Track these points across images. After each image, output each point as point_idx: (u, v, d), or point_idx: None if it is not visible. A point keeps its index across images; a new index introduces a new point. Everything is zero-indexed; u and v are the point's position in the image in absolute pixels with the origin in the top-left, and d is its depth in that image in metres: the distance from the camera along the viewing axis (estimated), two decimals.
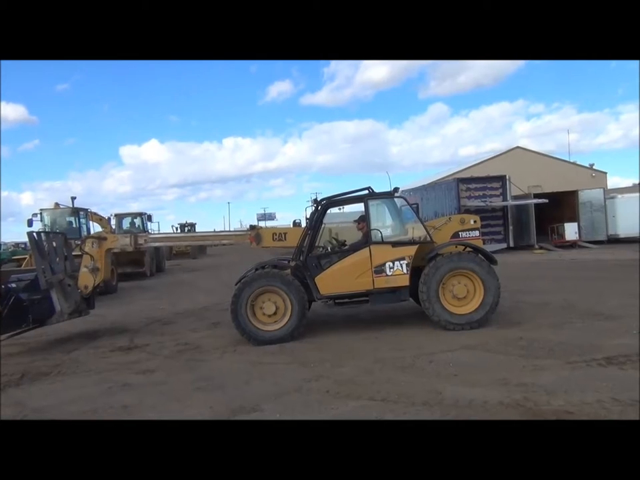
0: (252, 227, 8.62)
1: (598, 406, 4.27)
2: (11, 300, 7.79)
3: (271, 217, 73.32)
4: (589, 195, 25.18)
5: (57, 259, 8.46)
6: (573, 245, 23.88)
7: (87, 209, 19.53)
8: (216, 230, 13.72)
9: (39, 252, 8.10)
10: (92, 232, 17.71)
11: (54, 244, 8.54)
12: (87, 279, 8.48)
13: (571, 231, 24.09)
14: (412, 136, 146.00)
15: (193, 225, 43.13)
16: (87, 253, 8.48)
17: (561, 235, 24.44)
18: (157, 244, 11.31)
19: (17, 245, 33.72)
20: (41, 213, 18.63)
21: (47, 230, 15.96)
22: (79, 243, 9.64)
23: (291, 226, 10.50)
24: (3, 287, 8.03)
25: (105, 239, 8.84)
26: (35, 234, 8.26)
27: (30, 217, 17.73)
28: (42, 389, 6.07)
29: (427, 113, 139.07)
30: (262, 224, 49.13)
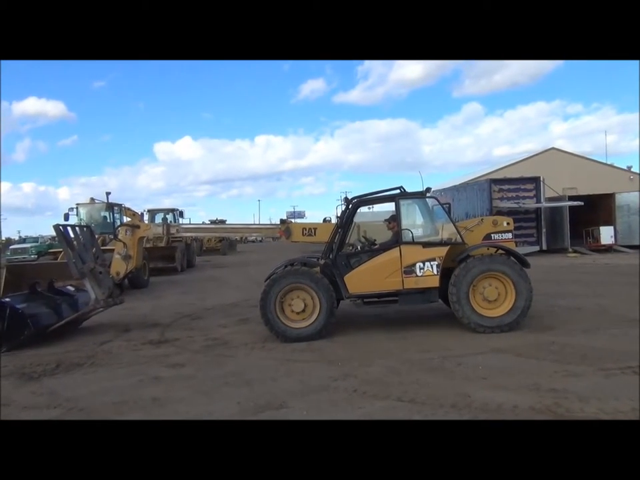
0: (282, 221, 8.65)
1: (633, 415, 4.15)
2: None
3: (300, 214, 73.60)
4: (626, 198, 24.43)
5: (85, 250, 8.63)
6: (608, 249, 23.23)
7: (121, 204, 19.85)
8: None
9: (66, 242, 8.29)
10: None
11: (81, 237, 8.73)
12: (119, 266, 8.67)
13: (606, 234, 23.46)
14: (445, 135, 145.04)
15: (223, 222, 43.61)
16: (120, 240, 8.65)
17: (596, 238, 23.79)
18: (188, 234, 11.53)
19: (53, 238, 34.56)
20: (76, 208, 19.04)
21: (81, 224, 16.33)
22: (113, 237, 9.86)
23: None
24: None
25: (138, 226, 9.01)
26: (60, 226, 8.45)
27: (66, 212, 18.19)
28: (75, 379, 6.22)
29: (460, 112, 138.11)
30: None
